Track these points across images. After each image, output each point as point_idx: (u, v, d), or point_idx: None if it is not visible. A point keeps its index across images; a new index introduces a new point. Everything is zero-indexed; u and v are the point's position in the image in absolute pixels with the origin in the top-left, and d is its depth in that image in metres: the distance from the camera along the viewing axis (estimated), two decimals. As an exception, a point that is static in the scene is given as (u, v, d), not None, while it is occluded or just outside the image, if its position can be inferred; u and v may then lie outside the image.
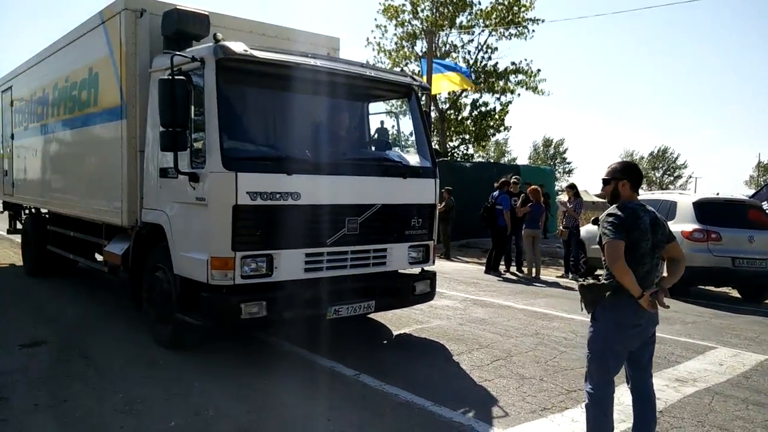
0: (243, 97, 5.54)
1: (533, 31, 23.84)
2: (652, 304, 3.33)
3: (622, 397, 3.89)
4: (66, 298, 8.36)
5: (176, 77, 4.85)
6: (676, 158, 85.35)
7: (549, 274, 12.38)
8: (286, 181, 5.00)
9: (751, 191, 11.92)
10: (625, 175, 3.57)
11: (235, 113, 5.31)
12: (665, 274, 3.61)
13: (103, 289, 8.87)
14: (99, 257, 7.98)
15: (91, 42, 6.92)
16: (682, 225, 9.65)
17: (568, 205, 11.86)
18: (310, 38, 7.02)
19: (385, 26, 25.05)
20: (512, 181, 12.71)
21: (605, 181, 3.63)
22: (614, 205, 3.55)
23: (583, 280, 3.63)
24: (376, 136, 6.78)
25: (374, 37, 26.00)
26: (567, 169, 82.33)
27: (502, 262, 12.49)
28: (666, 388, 5.04)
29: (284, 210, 5.00)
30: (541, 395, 4.85)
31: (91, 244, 7.82)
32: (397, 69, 21.98)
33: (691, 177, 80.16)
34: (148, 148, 5.86)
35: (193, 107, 5.07)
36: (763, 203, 10.55)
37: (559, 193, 20.75)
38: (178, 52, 5.06)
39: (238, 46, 4.93)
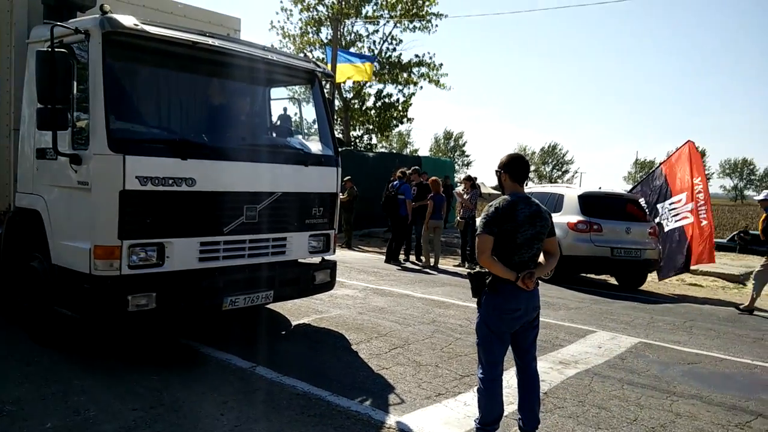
0: (133, 75, 5.19)
1: (437, 25, 24.35)
2: (526, 285, 3.55)
3: (511, 380, 4.08)
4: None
5: (57, 50, 4.45)
6: (565, 154, 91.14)
7: (447, 263, 12.76)
8: (180, 166, 4.75)
9: (629, 186, 12.94)
10: (506, 168, 3.75)
11: (124, 92, 4.98)
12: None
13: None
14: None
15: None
16: (568, 216, 10.30)
17: (464, 196, 12.26)
18: (209, 17, 6.70)
19: (291, 10, 24.55)
20: (412, 172, 12.93)
21: (496, 173, 3.85)
22: (501, 196, 3.72)
23: (471, 269, 3.77)
24: (278, 122, 6.62)
25: (279, 21, 25.54)
26: (466, 162, 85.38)
27: (402, 252, 12.71)
28: (550, 370, 5.35)
29: (177, 196, 4.76)
30: (436, 381, 4.99)
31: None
32: (301, 55, 21.64)
33: (577, 172, 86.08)
34: (24, 127, 5.34)
35: (76, 84, 4.68)
36: (639, 198, 11.43)
37: (458, 184, 21.43)
38: (59, 23, 4.64)
39: (127, 20, 4.60)
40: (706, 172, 12.70)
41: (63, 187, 4.86)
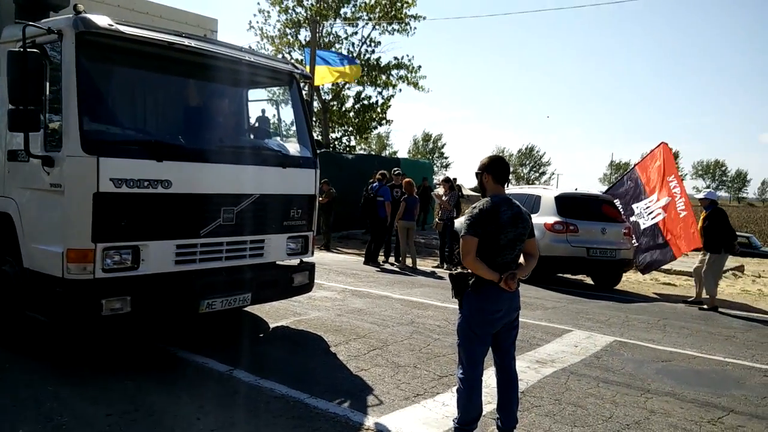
0: (107, 76, 5.12)
1: (415, 28, 24.42)
2: (508, 285, 3.58)
3: (489, 379, 4.11)
4: None
5: (29, 50, 4.38)
6: (542, 156, 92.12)
7: (426, 264, 12.80)
8: (155, 168, 4.70)
9: (605, 187, 13.15)
10: (488, 169, 3.77)
11: (98, 93, 4.91)
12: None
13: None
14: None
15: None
16: (545, 217, 10.41)
17: (443, 198, 12.32)
18: (186, 17, 6.66)
19: (269, 11, 24.43)
20: (394, 173, 12.96)
21: (476, 174, 3.84)
22: (483, 199, 3.74)
23: (453, 270, 3.80)
24: (256, 124, 6.59)
25: (257, 22, 25.26)
26: (445, 163, 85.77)
27: (381, 253, 12.72)
28: (528, 369, 5.40)
29: (153, 199, 4.70)
30: (415, 382, 5.00)
31: None
32: (280, 56, 21.54)
33: (554, 173, 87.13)
34: (-6, 128, 5.23)
35: (48, 84, 4.61)
36: (614, 199, 11.60)
37: (436, 186, 21.52)
38: (32, 23, 4.56)
39: (101, 20, 4.54)
40: (680, 174, 12.96)
41: (35, 189, 4.77)
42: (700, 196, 9.71)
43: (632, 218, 11.18)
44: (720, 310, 9.01)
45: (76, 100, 4.42)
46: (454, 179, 22.53)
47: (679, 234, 10.41)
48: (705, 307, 9.08)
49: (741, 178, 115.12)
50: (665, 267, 12.30)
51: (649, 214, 11.01)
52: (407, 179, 12.35)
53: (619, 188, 11.92)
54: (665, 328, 7.58)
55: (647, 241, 10.92)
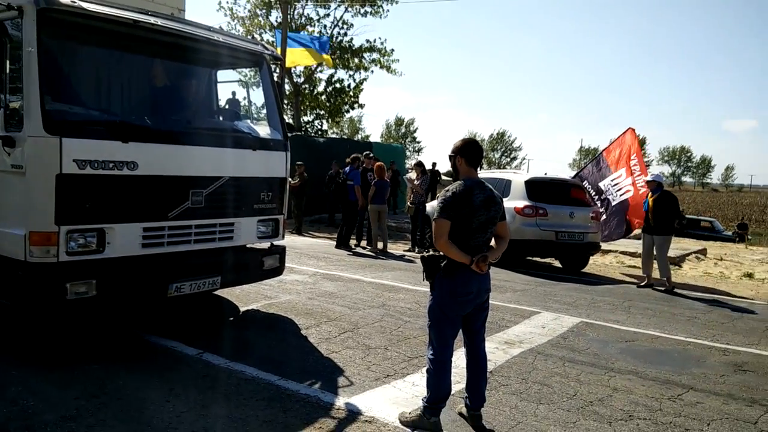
0: (70, 55, 4.97)
1: (388, 10, 24.25)
2: (480, 268, 3.62)
3: (458, 360, 4.17)
4: None
5: None
6: (513, 141, 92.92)
7: (397, 248, 12.86)
8: (121, 149, 4.60)
9: (574, 172, 13.36)
10: (461, 152, 3.79)
11: (61, 72, 4.77)
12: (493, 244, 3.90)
13: None
14: None
15: None
16: (515, 201, 10.53)
17: (415, 182, 12.35)
18: (152, -5, 6.47)
19: (239, -9, 23.98)
20: (365, 157, 12.92)
21: (449, 158, 3.86)
22: (455, 182, 3.76)
23: (425, 252, 3.82)
24: (226, 106, 6.49)
25: (227, 2, 24.79)
26: (417, 148, 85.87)
27: (353, 237, 12.73)
28: (496, 350, 5.50)
29: (118, 181, 4.61)
30: (385, 363, 5.05)
31: None
32: (250, 37, 21.18)
33: (524, 159, 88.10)
34: (-49, 107, 5.05)
35: (9, 63, 4.46)
36: (583, 182, 11.82)
37: (409, 170, 21.56)
38: None
39: None
40: (646, 160, 13.34)
41: (-5, 170, 4.63)
42: (648, 178, 9.91)
43: (603, 196, 11.44)
44: (682, 291, 9.28)
45: (37, 79, 4.28)
46: (434, 164, 22.58)
47: (638, 211, 10.69)
48: (662, 288, 9.33)
49: (705, 164, 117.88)
50: (631, 250, 12.62)
51: (618, 190, 11.30)
52: (379, 163, 12.34)
53: (587, 173, 12.15)
54: (630, 310, 7.78)
55: (615, 216, 11.22)
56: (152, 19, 4.96)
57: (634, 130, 11.63)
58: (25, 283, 4.42)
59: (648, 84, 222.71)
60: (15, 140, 4.36)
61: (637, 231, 11.21)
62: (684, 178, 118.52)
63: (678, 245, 15.12)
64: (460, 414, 4.01)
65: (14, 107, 4.47)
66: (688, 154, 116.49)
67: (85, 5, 4.50)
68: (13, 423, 3.58)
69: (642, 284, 9.62)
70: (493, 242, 3.85)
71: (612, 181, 11.41)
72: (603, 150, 12.25)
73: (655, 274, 9.65)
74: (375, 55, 24.77)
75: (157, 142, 4.89)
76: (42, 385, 4.17)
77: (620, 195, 11.24)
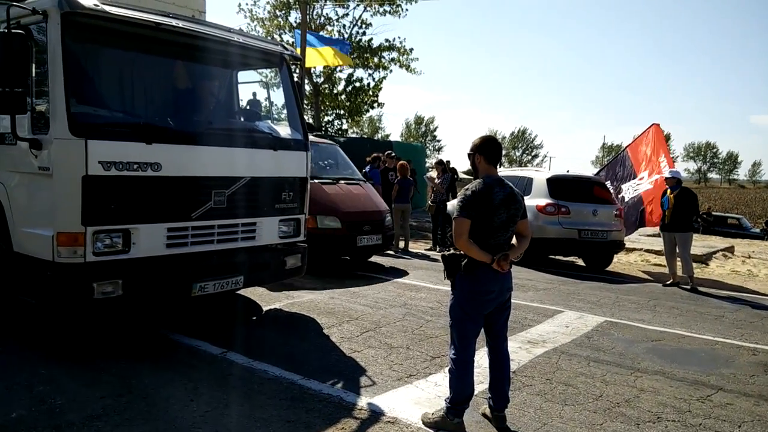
0: (94, 58, 5.05)
1: (407, 9, 24.21)
2: (501, 267, 3.58)
3: (481, 360, 4.14)
4: None
5: (13, 31, 4.30)
6: (534, 138, 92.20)
7: (418, 247, 12.83)
8: (145, 151, 4.65)
9: (597, 169, 13.21)
10: (480, 150, 3.76)
11: (85, 75, 4.84)
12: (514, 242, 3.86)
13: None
14: None
15: None
16: (536, 200, 10.43)
17: (436, 181, 12.30)
18: (173, -3, 6.56)
19: (258, -7, 24.14)
20: (386, 156, 12.91)
21: (468, 155, 3.83)
22: (475, 180, 3.73)
23: (446, 251, 3.80)
24: (247, 107, 6.53)
25: (246, 3, 25.02)
26: (437, 147, 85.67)
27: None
28: (519, 350, 5.45)
29: (143, 182, 4.66)
30: (408, 363, 5.03)
31: None
32: (270, 38, 21.32)
33: (546, 156, 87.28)
34: (-20, 111, 5.16)
35: (34, 66, 4.54)
36: (606, 180, 11.66)
37: (429, 169, 21.49)
38: (15, 3, 4.48)
39: (87, 0, 4.47)
40: (672, 156, 13.12)
41: (23, 173, 4.73)
42: (666, 175, 9.77)
43: (620, 195, 11.33)
44: (710, 290, 9.09)
45: (63, 82, 4.36)
46: (448, 162, 22.51)
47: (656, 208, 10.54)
48: (687, 287, 9.16)
49: (732, 160, 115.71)
50: (657, 248, 12.42)
51: (636, 190, 11.19)
52: (401, 162, 12.33)
53: (610, 170, 11.99)
54: (655, 309, 7.65)
55: (629, 209, 11.14)
56: (174, 22, 5.02)
57: (659, 125, 11.44)
58: (53, 283, 4.50)
59: (672, 80, 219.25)
60: (42, 143, 4.45)
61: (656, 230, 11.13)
62: (710, 175, 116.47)
63: (705, 243, 14.84)
64: (484, 415, 3.98)
65: (40, 110, 4.56)
66: (714, 150, 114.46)
67: (108, 8, 4.56)
68: (41, 422, 3.64)
69: (668, 282, 9.46)
70: (514, 240, 3.81)
71: (635, 183, 11.30)
72: (627, 147, 12.08)
73: (680, 272, 9.48)
74: (394, 54, 24.75)
75: (180, 143, 4.94)
76: (69, 384, 4.23)
77: (635, 191, 11.16)
